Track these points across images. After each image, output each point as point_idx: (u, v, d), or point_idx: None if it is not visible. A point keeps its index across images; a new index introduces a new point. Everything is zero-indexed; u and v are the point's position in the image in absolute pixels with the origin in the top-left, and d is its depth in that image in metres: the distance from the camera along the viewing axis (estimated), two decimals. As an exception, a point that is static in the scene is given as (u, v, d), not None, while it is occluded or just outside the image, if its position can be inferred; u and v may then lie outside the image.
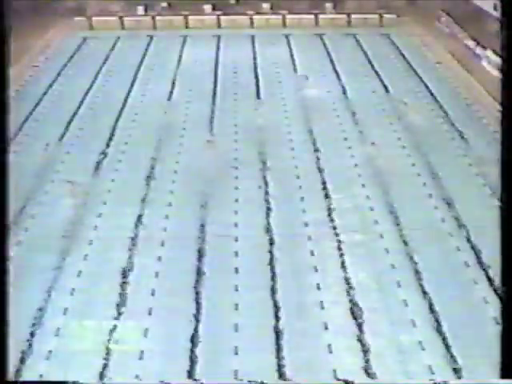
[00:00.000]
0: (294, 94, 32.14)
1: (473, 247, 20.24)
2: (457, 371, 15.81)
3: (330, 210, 22.35)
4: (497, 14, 34.59)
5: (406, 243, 20.57)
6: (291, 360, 16.22)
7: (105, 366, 16.08)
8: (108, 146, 27.13)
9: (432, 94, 31.55)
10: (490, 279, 18.70)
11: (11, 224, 19.76)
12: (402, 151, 26.29)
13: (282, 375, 15.88)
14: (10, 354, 12.41)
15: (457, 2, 39.76)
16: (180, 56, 37.56)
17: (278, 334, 17.08)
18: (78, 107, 30.86)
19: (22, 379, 15.66)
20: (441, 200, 22.76)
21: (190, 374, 15.93)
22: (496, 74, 30.71)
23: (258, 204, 22.81)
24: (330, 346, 16.57)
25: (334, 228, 21.38)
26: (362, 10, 42.33)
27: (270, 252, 20.31)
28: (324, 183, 24.04)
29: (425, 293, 18.38)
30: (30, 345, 16.76)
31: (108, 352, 16.52)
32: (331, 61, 36.36)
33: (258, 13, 42.54)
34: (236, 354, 16.42)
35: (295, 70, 35.59)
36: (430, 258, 19.83)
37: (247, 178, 24.42)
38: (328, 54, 37.48)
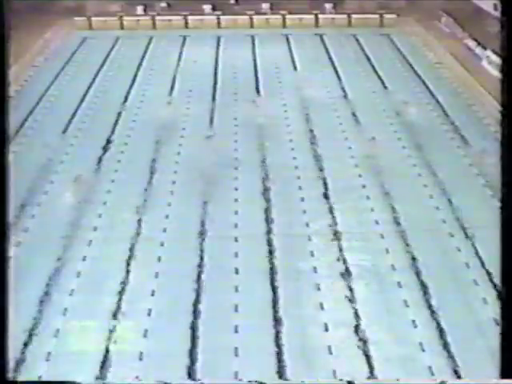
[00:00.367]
0: (294, 95, 32.08)
1: (473, 248, 20.18)
2: (457, 372, 15.72)
3: (330, 211, 22.29)
4: (497, 14, 34.54)
5: (406, 244, 20.51)
6: (291, 361, 16.14)
7: (104, 367, 16.01)
8: (107, 146, 27.06)
9: (432, 95, 31.52)
10: (490, 280, 18.63)
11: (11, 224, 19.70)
12: (403, 151, 26.25)
13: (281, 376, 15.80)
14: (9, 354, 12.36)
15: (457, 2, 39.71)
16: (180, 56, 37.53)
17: (278, 334, 16.98)
18: (78, 107, 30.79)
19: (21, 379, 15.60)
20: (441, 200, 22.72)
21: (190, 375, 15.86)
22: (496, 74, 30.66)
23: (257, 204, 22.75)
24: (330, 347, 16.50)
25: (335, 228, 21.31)
26: (362, 10, 42.31)
27: (270, 253, 20.24)
28: (324, 184, 23.98)
29: (425, 294, 18.31)
30: (29, 345, 16.66)
31: (107, 353, 16.42)
32: (331, 61, 36.33)
33: (257, 13, 42.52)
34: (236, 355, 16.34)
35: (295, 69, 35.56)
36: (431, 258, 19.77)
37: (247, 179, 24.38)
38: (328, 53, 37.45)
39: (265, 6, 43.09)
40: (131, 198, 23.19)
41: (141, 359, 16.24)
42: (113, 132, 28.33)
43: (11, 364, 15.12)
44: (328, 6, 42.85)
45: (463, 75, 33.08)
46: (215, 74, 34.98)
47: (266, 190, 23.60)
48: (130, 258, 20.06)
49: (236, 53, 37.94)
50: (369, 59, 36.43)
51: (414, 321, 17.32)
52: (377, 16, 41.76)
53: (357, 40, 39.41)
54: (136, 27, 42.07)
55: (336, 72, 34.73)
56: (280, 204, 22.76)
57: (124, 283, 18.93)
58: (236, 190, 23.70)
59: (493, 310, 17.29)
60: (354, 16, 41.95)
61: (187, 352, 16.41)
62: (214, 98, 31.83)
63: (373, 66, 35.38)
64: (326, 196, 23.19)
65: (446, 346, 16.48)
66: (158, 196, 23.41)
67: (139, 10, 43.04)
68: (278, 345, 16.65)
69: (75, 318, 17.58)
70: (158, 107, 30.84)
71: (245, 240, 20.81)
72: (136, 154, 26.50)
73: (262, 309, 17.87)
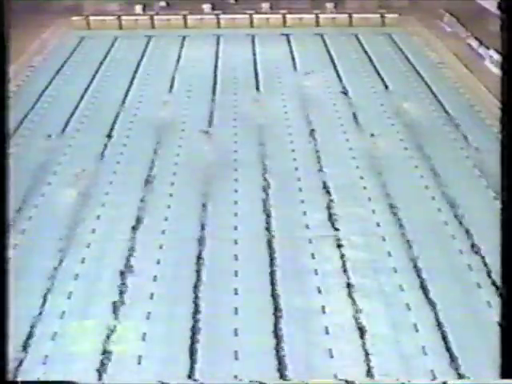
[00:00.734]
0: (295, 94, 31.91)
1: (476, 250, 20.00)
2: (459, 376, 15.54)
3: (331, 213, 22.11)
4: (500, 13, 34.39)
5: (408, 246, 20.33)
6: (292, 363, 16.00)
7: (103, 369, 15.88)
8: (106, 146, 26.86)
9: (434, 94, 31.35)
10: (493, 283, 18.47)
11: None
12: (405, 152, 26.07)
13: (281, 377, 15.70)
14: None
15: (459, 1, 39.56)
16: (179, 56, 37.40)
17: (278, 338, 16.82)
18: (76, 107, 30.61)
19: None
20: (444, 202, 22.53)
21: (190, 377, 15.74)
22: (499, 73, 30.47)
23: (257, 206, 22.56)
24: (330, 350, 16.33)
25: (335, 230, 21.13)
26: (364, 10, 42.17)
27: (270, 255, 20.06)
28: (325, 185, 23.78)
29: (427, 296, 18.12)
30: (28, 347, 16.53)
31: (106, 354, 16.29)
32: (332, 60, 36.21)
33: (257, 12, 42.39)
34: (236, 358, 16.19)
35: (295, 69, 35.45)
36: (433, 260, 19.59)
37: (247, 179, 24.18)
38: (329, 53, 37.33)
39: (265, 5, 42.93)
40: (130, 200, 22.96)
41: (139, 363, 16.06)
42: (111, 132, 28.11)
43: (10, 366, 14.95)
44: (329, 5, 42.70)
45: (466, 75, 32.90)
46: (215, 73, 34.84)
47: (266, 192, 23.39)
48: (128, 260, 19.85)
49: (236, 52, 37.80)
50: (370, 59, 36.31)
51: (415, 324, 17.16)
52: (378, 15, 41.62)
53: (358, 39, 39.26)
54: (134, 27, 41.86)
55: (337, 72, 34.59)
56: (280, 206, 22.54)
57: (122, 285, 18.75)
58: (236, 191, 23.48)
59: (496, 313, 17.03)
60: (355, 15, 41.76)
61: (187, 355, 16.25)
62: (213, 98, 31.67)
63: (374, 66, 35.25)
64: (326, 198, 22.97)
65: (448, 349, 16.28)
66: (157, 196, 23.20)
67: (138, 9, 42.83)
68: (279, 348, 16.47)
69: (73, 319, 17.41)
70: (157, 107, 30.66)
71: (244, 242, 20.62)
72: (135, 154, 26.30)
73: (262, 312, 17.67)
